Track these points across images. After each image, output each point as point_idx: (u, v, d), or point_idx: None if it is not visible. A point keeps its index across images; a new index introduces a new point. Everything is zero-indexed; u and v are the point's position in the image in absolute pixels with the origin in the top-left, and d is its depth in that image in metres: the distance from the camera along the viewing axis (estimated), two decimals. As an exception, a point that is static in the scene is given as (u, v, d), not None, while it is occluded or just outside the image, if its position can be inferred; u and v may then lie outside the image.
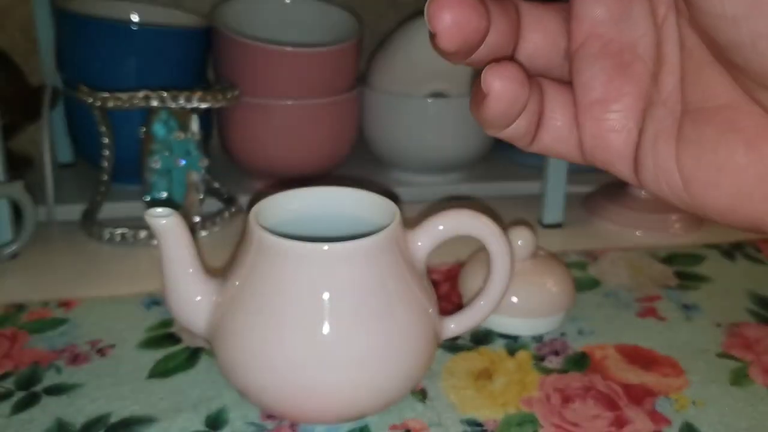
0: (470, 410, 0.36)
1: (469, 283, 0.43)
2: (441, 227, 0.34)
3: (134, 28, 0.60)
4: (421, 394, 0.37)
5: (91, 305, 0.45)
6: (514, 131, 0.23)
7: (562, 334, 0.42)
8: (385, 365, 0.31)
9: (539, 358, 0.40)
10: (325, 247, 0.30)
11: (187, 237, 0.33)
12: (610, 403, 0.36)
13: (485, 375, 0.38)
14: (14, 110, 0.61)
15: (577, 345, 0.41)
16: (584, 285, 0.49)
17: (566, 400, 0.36)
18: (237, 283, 0.32)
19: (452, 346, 0.41)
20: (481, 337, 0.42)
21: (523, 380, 0.38)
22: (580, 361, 0.40)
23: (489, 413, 0.35)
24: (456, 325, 0.36)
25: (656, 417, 0.35)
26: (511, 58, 0.23)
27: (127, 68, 0.59)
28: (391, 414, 0.35)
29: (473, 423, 0.35)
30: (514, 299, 0.41)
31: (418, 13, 0.72)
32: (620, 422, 0.35)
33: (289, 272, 0.31)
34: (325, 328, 0.30)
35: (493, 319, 0.42)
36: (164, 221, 0.32)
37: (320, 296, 0.30)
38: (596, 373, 0.39)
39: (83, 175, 0.68)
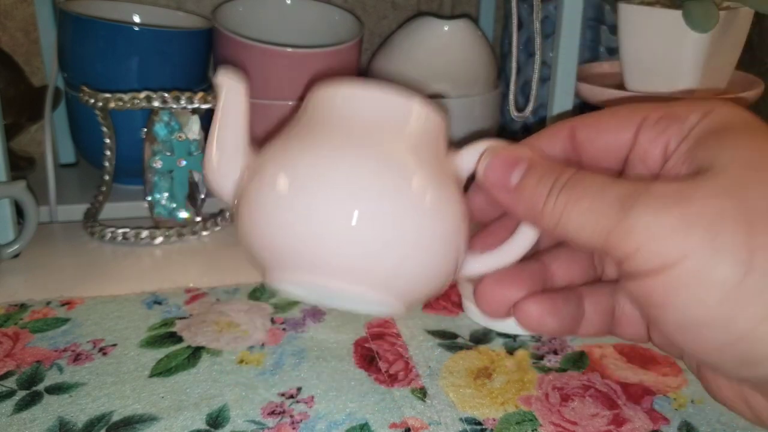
0: (469, 409, 0.36)
1: (469, 283, 0.43)
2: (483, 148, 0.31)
3: (136, 29, 0.60)
4: (421, 393, 0.37)
5: (93, 305, 0.45)
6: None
7: (561, 334, 0.43)
8: (412, 245, 0.29)
9: (538, 357, 0.40)
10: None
11: (246, 107, 0.33)
12: (609, 402, 0.36)
13: (484, 374, 0.39)
14: (16, 110, 0.62)
15: (575, 344, 0.42)
16: (583, 284, 0.49)
17: (565, 398, 0.37)
18: (271, 146, 0.32)
19: (451, 345, 0.41)
20: (480, 336, 0.42)
21: (522, 379, 0.38)
22: (579, 360, 0.40)
23: (488, 412, 0.36)
24: (480, 264, 0.32)
25: (654, 416, 0.35)
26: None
27: (129, 69, 0.59)
28: (390, 412, 0.35)
29: (472, 421, 0.35)
30: (513, 298, 0.41)
31: (419, 14, 0.73)
32: (619, 421, 0.35)
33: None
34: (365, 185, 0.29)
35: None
36: (234, 81, 0.33)
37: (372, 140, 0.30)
38: (595, 372, 0.39)
39: (85, 175, 0.68)
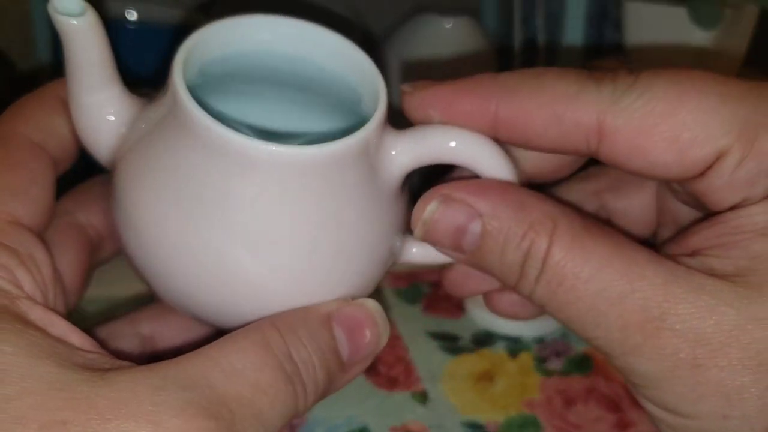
0: (471, 412, 0.35)
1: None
2: (429, 140, 0.23)
3: (131, 26, 0.59)
4: (422, 396, 0.36)
5: (91, 305, 0.44)
6: None
7: (564, 336, 0.42)
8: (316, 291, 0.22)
9: (541, 360, 0.40)
10: (273, 147, 0.20)
11: (103, 41, 0.24)
12: (613, 405, 0.36)
13: (486, 377, 0.38)
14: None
15: (579, 346, 0.41)
16: (586, 285, 0.48)
17: (568, 402, 0.36)
18: (148, 140, 0.23)
19: (453, 347, 0.41)
20: (482, 339, 0.42)
21: (525, 382, 0.38)
22: (583, 363, 0.39)
23: (490, 415, 0.35)
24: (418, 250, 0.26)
25: (659, 420, 0.35)
26: None
27: (125, 66, 0.58)
28: (391, 416, 0.35)
29: (474, 425, 0.34)
30: (516, 300, 0.41)
31: (419, 10, 0.72)
32: (623, 424, 0.34)
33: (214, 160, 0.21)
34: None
35: (494, 320, 0.41)
36: (75, 22, 0.22)
37: (246, 199, 0.21)
38: (598, 375, 0.38)
39: (80, 175, 0.68)
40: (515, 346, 0.41)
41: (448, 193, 0.21)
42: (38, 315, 0.19)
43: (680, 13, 0.50)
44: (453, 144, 0.22)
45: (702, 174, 0.19)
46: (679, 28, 0.51)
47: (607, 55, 0.69)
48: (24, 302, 0.19)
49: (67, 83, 0.24)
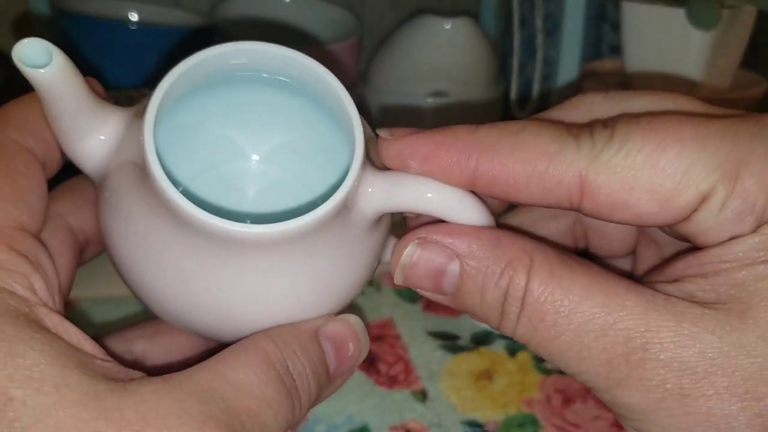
0: (470, 411, 0.35)
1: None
2: (406, 191, 0.22)
3: (133, 27, 0.60)
4: (421, 395, 0.36)
5: (91, 305, 0.45)
6: None
7: (563, 335, 0.42)
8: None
9: (540, 359, 0.40)
10: (250, 230, 0.20)
11: (79, 84, 0.22)
12: (611, 404, 0.36)
13: (486, 376, 0.38)
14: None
15: (577, 345, 0.41)
16: (585, 285, 0.48)
17: (567, 400, 0.36)
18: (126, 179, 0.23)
19: (452, 346, 0.41)
20: (481, 338, 0.42)
21: (524, 381, 0.38)
22: (581, 362, 0.40)
23: (489, 414, 0.35)
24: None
25: (658, 418, 0.35)
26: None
27: (126, 67, 0.58)
28: (390, 414, 0.35)
29: (474, 424, 0.34)
30: (515, 299, 0.41)
31: (419, 12, 0.72)
32: (620, 423, 0.35)
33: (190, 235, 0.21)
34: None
35: (493, 319, 0.41)
36: (45, 71, 0.21)
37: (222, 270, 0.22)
38: (597, 374, 0.39)
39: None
40: (514, 344, 0.41)
41: (425, 236, 0.21)
42: (54, 323, 0.19)
43: (678, 14, 0.50)
44: (431, 196, 0.22)
45: (688, 218, 0.19)
46: (678, 29, 0.51)
47: (605, 57, 0.69)
48: (41, 309, 0.19)
49: (53, 130, 0.23)
